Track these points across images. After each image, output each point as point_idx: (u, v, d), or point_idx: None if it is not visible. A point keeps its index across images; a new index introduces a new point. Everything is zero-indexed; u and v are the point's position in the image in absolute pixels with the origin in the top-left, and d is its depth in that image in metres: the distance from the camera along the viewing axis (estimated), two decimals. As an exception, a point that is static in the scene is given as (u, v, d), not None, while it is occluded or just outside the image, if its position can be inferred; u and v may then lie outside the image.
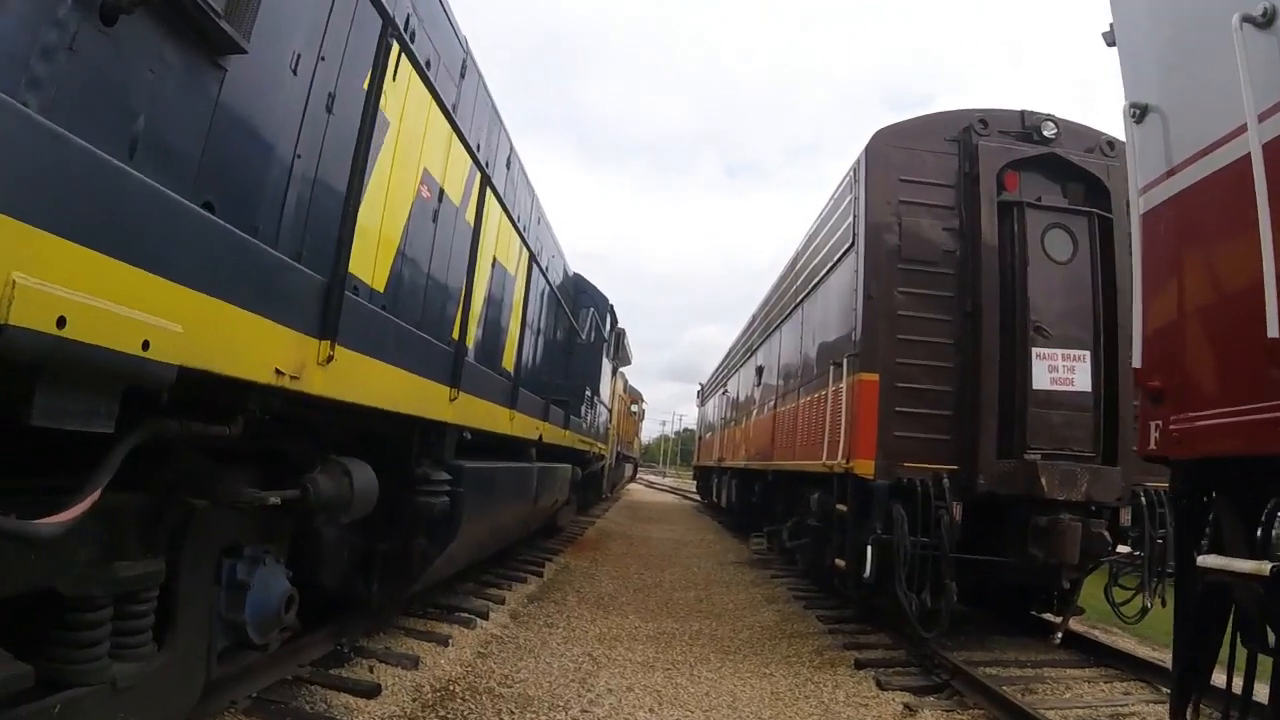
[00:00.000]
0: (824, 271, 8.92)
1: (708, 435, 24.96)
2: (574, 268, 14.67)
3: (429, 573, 5.60)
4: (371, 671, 5.34)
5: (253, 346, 2.71)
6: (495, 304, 8.19)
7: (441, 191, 6.28)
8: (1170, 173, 3.10)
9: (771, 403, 12.09)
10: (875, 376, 7.03)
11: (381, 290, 5.10)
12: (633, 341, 26.33)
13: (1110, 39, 3.67)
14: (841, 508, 7.34)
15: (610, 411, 18.17)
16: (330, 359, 3.21)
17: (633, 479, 44.22)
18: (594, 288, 14.89)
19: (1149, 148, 3.23)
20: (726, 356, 21.09)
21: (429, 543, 5.24)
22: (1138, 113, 3.30)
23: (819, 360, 8.89)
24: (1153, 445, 2.93)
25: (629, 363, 26.61)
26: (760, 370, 13.79)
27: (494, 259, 8.14)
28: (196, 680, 3.47)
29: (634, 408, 34.68)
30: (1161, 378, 2.92)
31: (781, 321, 11.79)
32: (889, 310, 7.24)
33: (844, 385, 7.37)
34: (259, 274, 2.76)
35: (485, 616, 7.19)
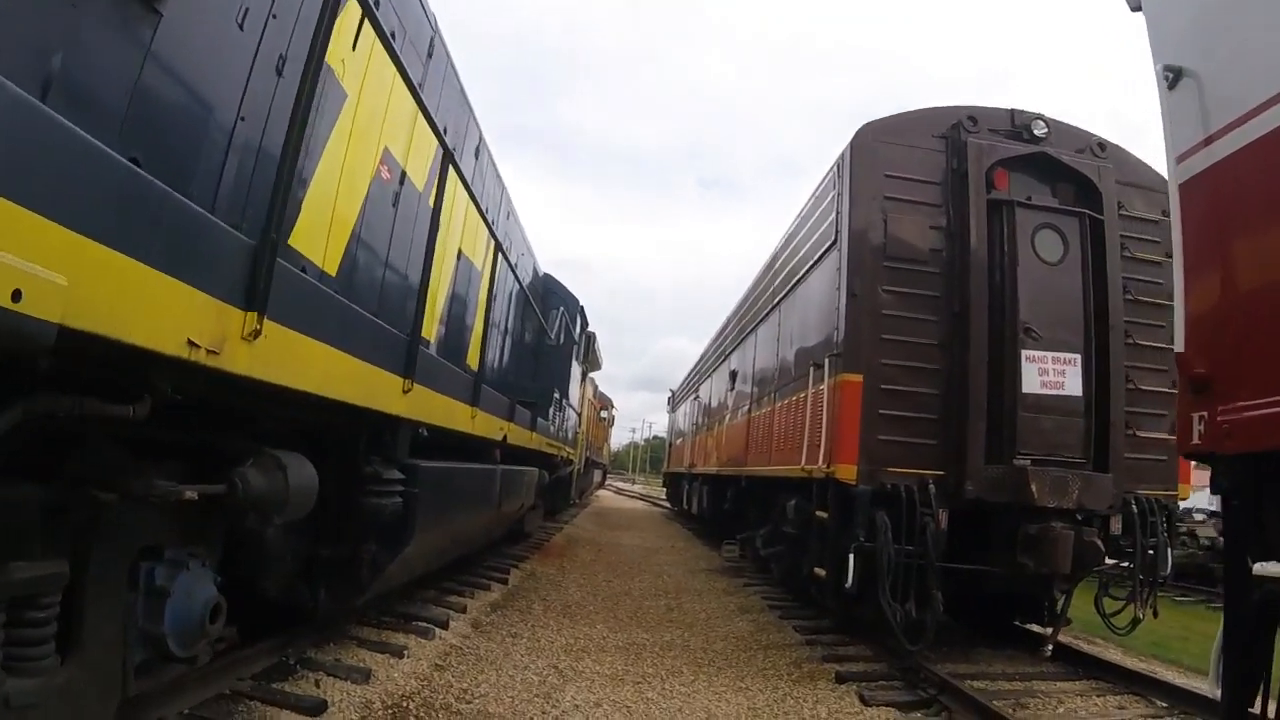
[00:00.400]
0: (804, 271, 8.59)
1: (678, 441, 24.60)
2: (545, 269, 14.32)
3: (381, 580, 5.16)
4: (318, 686, 4.91)
5: (159, 311, 2.30)
6: (459, 298, 7.78)
7: (404, 174, 5.89)
8: (1209, 140, 2.79)
9: (745, 408, 11.77)
10: (859, 377, 6.70)
11: (334, 274, 4.69)
12: (604, 350, 26.01)
13: (1135, 2, 3.37)
14: (821, 515, 7.00)
15: (579, 416, 17.76)
16: (257, 333, 2.79)
17: (602, 485, 43.78)
18: (564, 288, 14.49)
19: (1184, 113, 2.92)
20: (698, 362, 20.76)
21: (380, 548, 4.81)
22: (1171, 76, 2.98)
23: (798, 362, 8.56)
24: (1196, 440, 2.61)
25: (599, 367, 26.23)
26: (734, 375, 13.46)
27: (459, 251, 7.74)
28: (109, 697, 3.04)
29: (604, 413, 34.27)
30: (1207, 364, 2.60)
31: (757, 324, 11.46)
32: (873, 309, 6.92)
33: (825, 387, 7.04)
34: (171, 226, 2.35)
35: (445, 626, 6.76)
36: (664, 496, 36.60)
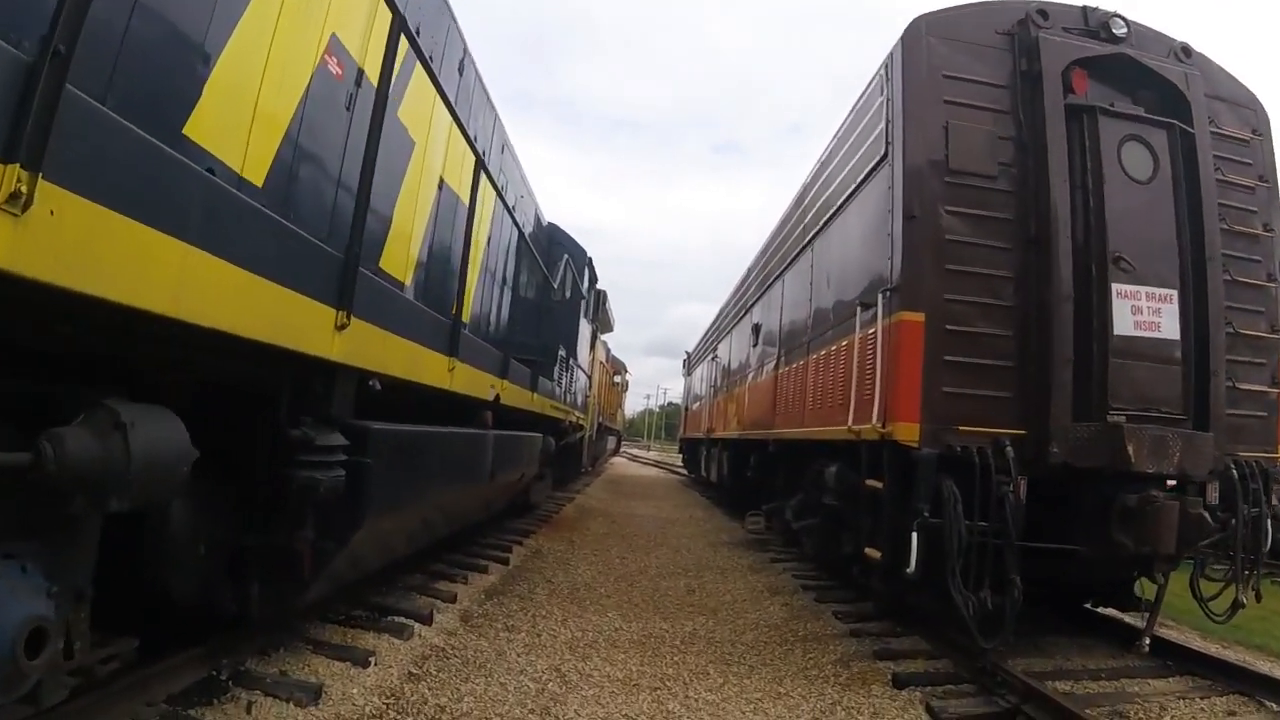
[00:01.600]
0: (844, 199, 7.38)
1: (695, 405, 23.44)
2: (550, 220, 13.15)
3: (329, 574, 4.10)
4: (249, 711, 3.86)
5: None
6: (441, 234, 6.67)
7: (360, 73, 4.78)
8: None
9: (772, 364, 10.58)
10: (920, 316, 5.53)
11: (260, 184, 3.61)
12: (617, 317, 24.84)
13: None
14: (874, 484, 5.85)
15: (590, 379, 16.67)
16: (20, 198, 1.68)
17: (616, 452, 42.82)
18: (570, 239, 13.35)
19: None
20: (716, 320, 19.51)
21: (320, 535, 3.72)
22: None
23: (838, 307, 7.37)
24: None
25: (610, 329, 25.11)
26: (757, 329, 12.24)
27: (441, 181, 6.64)
28: None
29: (617, 378, 33.20)
30: None
31: (784, 270, 10.24)
32: (935, 234, 5.74)
33: (877, 329, 5.85)
34: None
35: (428, 620, 5.71)
36: (680, 463, 35.61)
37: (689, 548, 11.28)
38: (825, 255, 8.09)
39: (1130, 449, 5.30)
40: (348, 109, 4.68)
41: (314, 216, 4.16)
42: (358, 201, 3.88)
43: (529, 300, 11.32)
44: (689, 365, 27.24)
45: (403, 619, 5.61)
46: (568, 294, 12.73)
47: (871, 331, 6.04)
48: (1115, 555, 5.46)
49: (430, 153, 6.31)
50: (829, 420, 7.02)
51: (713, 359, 18.49)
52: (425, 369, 4.79)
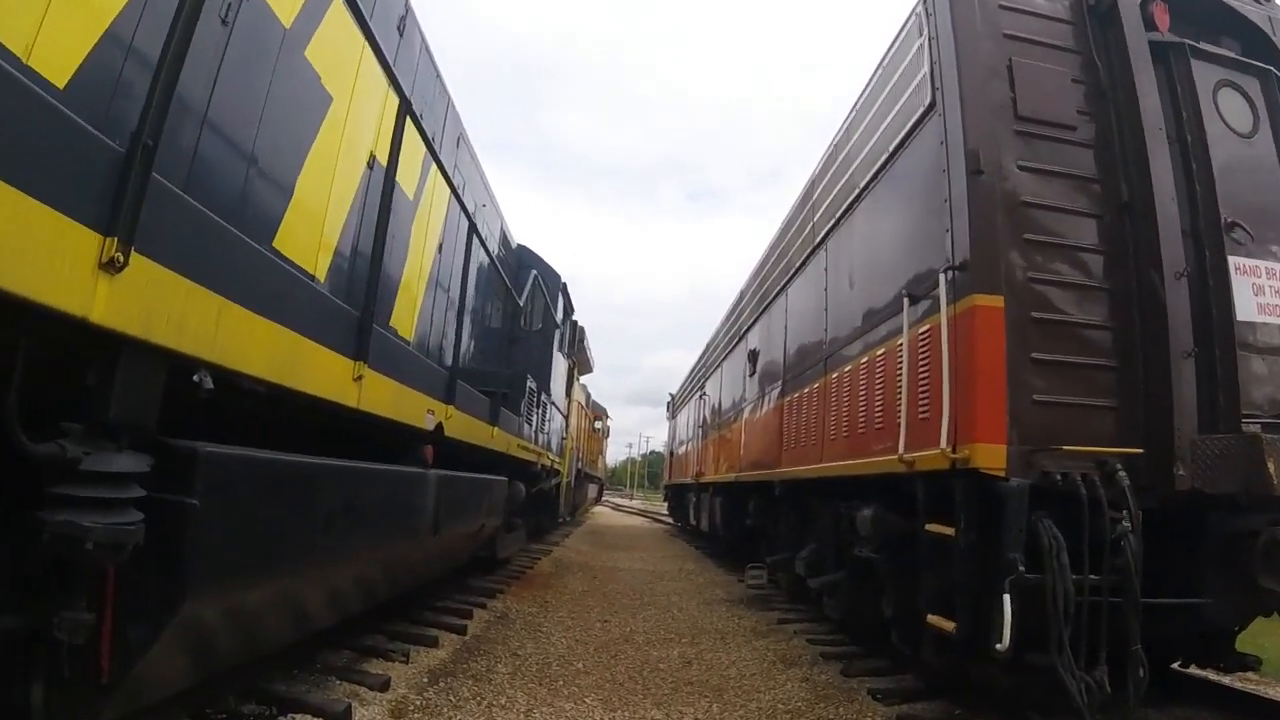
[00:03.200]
0: (871, 176, 6.02)
1: (681, 449, 21.90)
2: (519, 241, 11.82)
3: (149, 675, 2.62)
4: None
5: None
6: (370, 224, 5.33)
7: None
8: None
9: (775, 392, 9.17)
10: (998, 300, 4.16)
11: (63, 87, 2.25)
12: (598, 365, 23.49)
13: None
14: (939, 530, 4.38)
15: (567, 421, 15.20)
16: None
17: (598, 501, 41.06)
18: (542, 261, 12.02)
19: None
20: (703, 354, 18.09)
21: (120, 616, 2.27)
22: None
23: (871, 307, 5.97)
24: None
25: (590, 369, 23.76)
26: (754, 356, 10.83)
27: (371, 156, 5.30)
28: None
29: (598, 424, 31.71)
30: None
31: (788, 281, 8.87)
32: (1008, 196, 4.43)
33: (940, 323, 4.43)
34: None
35: (335, 724, 4.21)
36: (665, 511, 33.95)
37: (681, 606, 9.77)
38: (845, 252, 6.72)
39: (1271, 467, 3.95)
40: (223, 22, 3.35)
41: (218, 172, 2.80)
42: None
43: (493, 327, 9.96)
44: (673, 408, 25.82)
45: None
46: (539, 323, 11.37)
47: (928, 329, 4.66)
48: (1259, 606, 4.10)
49: (354, 118, 4.97)
50: (862, 450, 5.60)
51: (700, 397, 17.02)
52: (309, 371, 3.31)
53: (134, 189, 2.10)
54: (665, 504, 32.12)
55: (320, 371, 3.40)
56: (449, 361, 6.33)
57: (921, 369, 4.65)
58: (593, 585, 11.17)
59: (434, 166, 6.44)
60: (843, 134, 6.99)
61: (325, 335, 3.47)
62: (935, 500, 4.52)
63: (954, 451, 4.12)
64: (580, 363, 20.08)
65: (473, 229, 6.69)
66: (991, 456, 3.97)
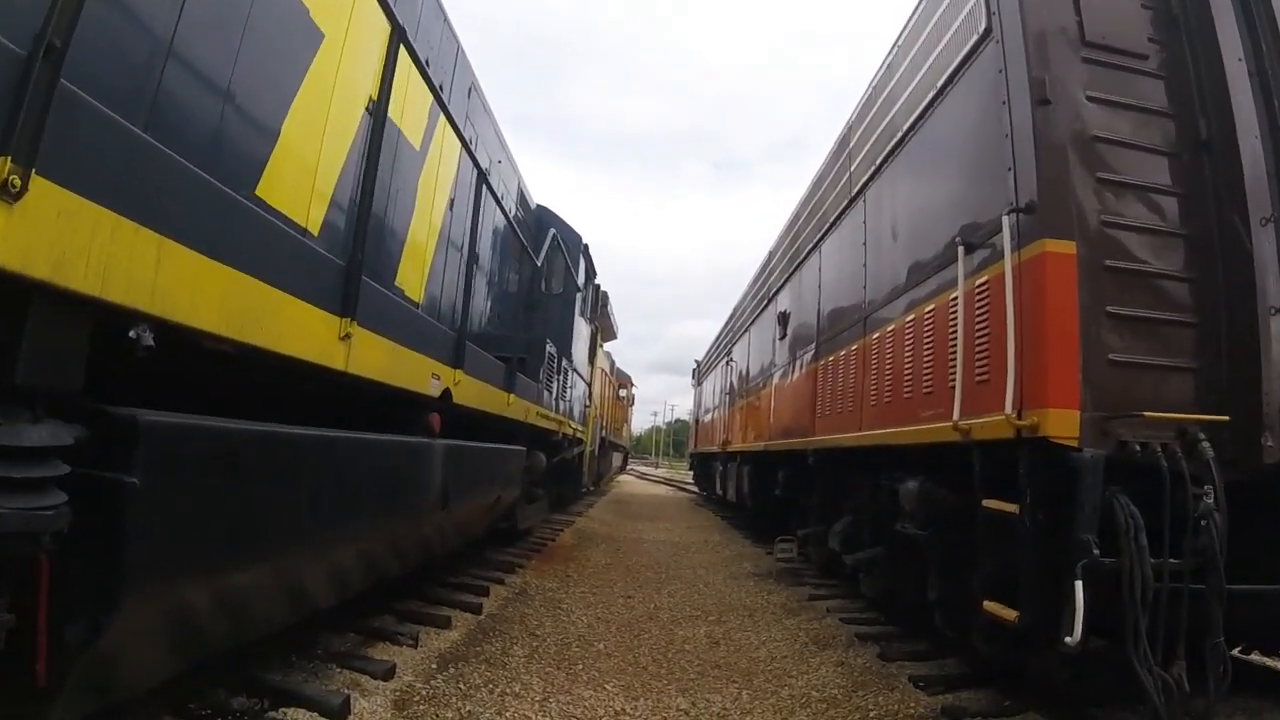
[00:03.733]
0: (916, 116, 5.48)
1: (707, 417, 21.48)
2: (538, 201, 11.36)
3: (92, 678, 2.27)
4: None
5: None
6: (368, 175, 4.94)
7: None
8: None
9: (808, 356, 8.70)
10: (1070, 246, 3.67)
11: None
12: (623, 335, 23.05)
13: None
14: (999, 506, 3.92)
15: (590, 388, 14.82)
16: None
17: (623, 470, 40.83)
18: (562, 222, 11.57)
19: None
20: (730, 319, 17.58)
21: (56, 614, 1.92)
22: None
23: (918, 259, 5.44)
24: None
25: (614, 336, 23.35)
26: (784, 319, 10.34)
27: (369, 100, 4.89)
28: None
29: (622, 392, 31.35)
30: None
31: (822, 237, 8.35)
32: (1078, 129, 3.93)
33: (1003, 271, 3.91)
34: None
35: (338, 717, 3.87)
36: (690, 480, 33.63)
37: (707, 581, 9.42)
38: (886, 202, 6.19)
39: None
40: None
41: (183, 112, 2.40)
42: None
43: (510, 291, 9.57)
44: (698, 375, 25.38)
45: (302, 715, 3.79)
46: (559, 286, 10.95)
47: (986, 280, 4.17)
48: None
49: (350, 59, 4.55)
50: (908, 417, 5.14)
51: (727, 363, 16.56)
52: (284, 328, 2.90)
53: (34, 97, 1.70)
54: (690, 473, 31.80)
55: (297, 329, 2.99)
56: (476, 335, 5.97)
57: (979, 326, 4.17)
58: (616, 558, 10.85)
59: (442, 117, 6.02)
60: (882, 74, 6.45)
61: (303, 287, 3.06)
62: (994, 473, 4.06)
63: (1019, 418, 3.64)
64: (604, 329, 19.66)
65: (485, 183, 6.26)
66: (1063, 424, 3.51)
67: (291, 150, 3.87)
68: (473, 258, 5.31)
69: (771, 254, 12.01)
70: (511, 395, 6.66)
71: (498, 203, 6.77)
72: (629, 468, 50.29)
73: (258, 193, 3.57)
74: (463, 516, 5.68)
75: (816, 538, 8.45)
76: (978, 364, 4.11)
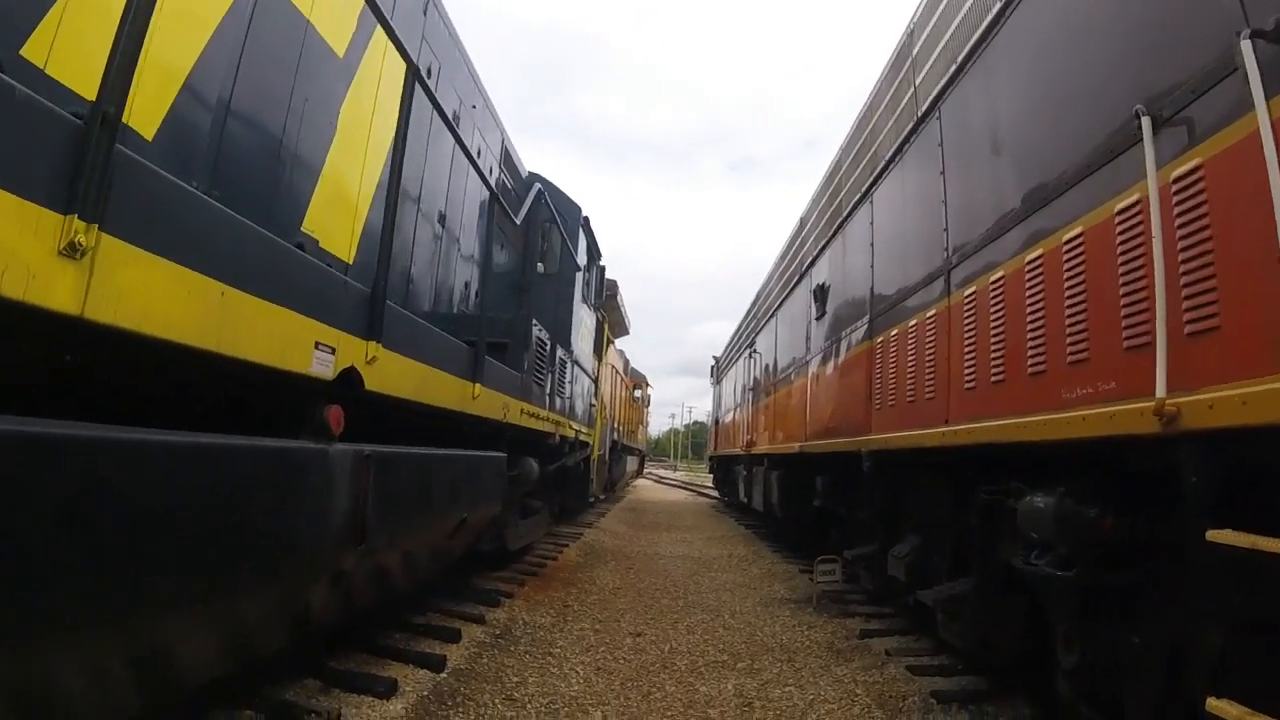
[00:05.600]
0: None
1: (727, 417, 19.76)
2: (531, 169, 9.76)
3: None
4: None
5: None
6: (263, 81, 3.45)
7: None
8: None
9: (857, 333, 6.90)
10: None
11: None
12: (642, 339, 21.54)
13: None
14: (1242, 541, 2.24)
15: (596, 384, 13.22)
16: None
17: (639, 474, 39.14)
18: (559, 191, 10.03)
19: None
20: (752, 306, 15.84)
21: None
22: None
23: (1039, 177, 3.69)
24: None
25: (626, 331, 21.83)
26: (822, 293, 8.59)
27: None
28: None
29: (637, 393, 29.72)
30: None
31: (874, 183, 6.64)
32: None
33: (1246, 140, 2.25)
34: None
35: None
36: (708, 484, 31.91)
37: (734, 609, 7.83)
38: (980, 104, 4.38)
39: None
40: None
41: None
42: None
43: (497, 271, 8.04)
44: (717, 372, 23.73)
45: None
46: (555, 265, 9.40)
47: (1197, 166, 2.51)
48: None
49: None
50: (1040, 401, 3.41)
51: (750, 356, 14.86)
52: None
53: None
54: (710, 476, 30.12)
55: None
56: (445, 318, 4.43)
57: (1193, 237, 2.53)
58: (626, 579, 9.28)
59: (379, 29, 4.51)
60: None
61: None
62: (1206, 479, 2.43)
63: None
64: (613, 322, 18.07)
65: (441, 114, 4.71)
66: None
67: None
68: (398, 185, 3.75)
69: (803, 221, 10.30)
70: (478, 386, 5.09)
71: (465, 152, 5.22)
72: (645, 471, 48.64)
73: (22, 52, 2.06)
74: (398, 553, 4.11)
75: (870, 560, 6.84)
76: (1194, 301, 2.48)
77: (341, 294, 3.17)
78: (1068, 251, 3.26)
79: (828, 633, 6.85)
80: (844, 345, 7.36)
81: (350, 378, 3.26)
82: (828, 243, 8.38)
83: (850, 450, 6.50)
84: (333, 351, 3.05)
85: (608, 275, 14.28)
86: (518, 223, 6.67)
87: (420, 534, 4.31)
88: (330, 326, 3.03)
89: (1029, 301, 3.57)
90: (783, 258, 12.01)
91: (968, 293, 4.33)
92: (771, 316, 12.65)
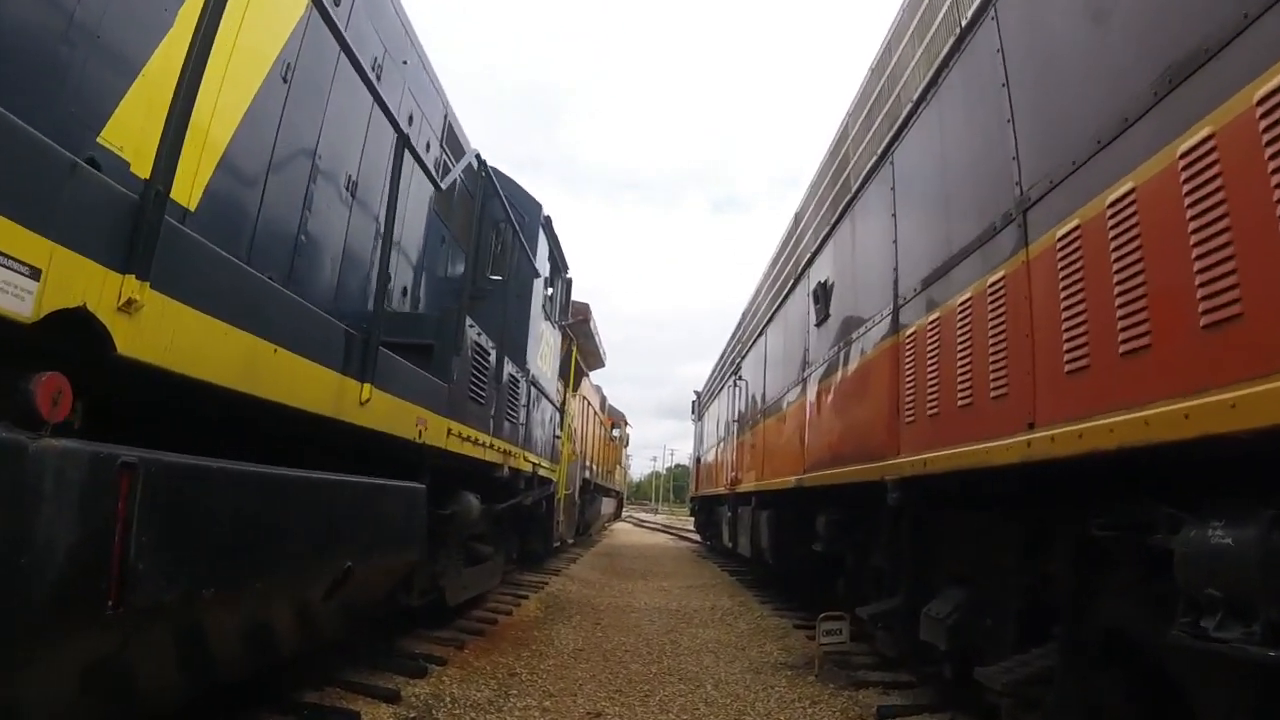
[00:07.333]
0: None
1: (710, 455, 18.27)
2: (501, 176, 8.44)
3: None
4: None
5: None
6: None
7: None
8: None
9: (876, 330, 5.40)
10: None
11: None
12: (625, 377, 20.28)
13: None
14: None
15: (561, 414, 11.78)
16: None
17: (616, 517, 37.39)
18: (519, 188, 8.74)
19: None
20: (737, 329, 14.38)
21: None
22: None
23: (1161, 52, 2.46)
24: None
25: (601, 363, 20.49)
26: (824, 293, 7.10)
27: None
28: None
29: (615, 431, 28.27)
30: None
31: (895, 138, 5.15)
32: None
33: None
34: None
35: None
36: (690, 527, 30.30)
37: (718, 678, 6.39)
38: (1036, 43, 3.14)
39: None
40: None
41: None
42: None
43: (391, 220, 6.74)
44: (698, 408, 22.34)
45: None
46: (509, 268, 8.08)
47: None
48: None
49: None
50: (1203, 374, 2.11)
51: (735, 383, 13.43)
52: None
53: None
54: (692, 519, 28.57)
55: None
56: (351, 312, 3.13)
57: None
58: (591, 639, 7.81)
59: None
60: None
61: None
62: None
63: None
64: (587, 352, 16.68)
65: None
66: None
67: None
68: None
69: (798, 216, 8.93)
70: (368, 388, 3.71)
71: (382, 105, 3.95)
72: (625, 514, 46.93)
73: None
74: (214, 620, 2.70)
75: (890, 618, 5.45)
76: None
77: (51, 172, 1.81)
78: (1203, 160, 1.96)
79: (836, 711, 5.44)
80: (856, 349, 5.98)
81: (90, 331, 1.89)
82: (832, 228, 6.98)
83: (866, 480, 5.12)
84: (32, 274, 1.69)
85: (587, 305, 12.96)
86: (443, 187, 5.32)
87: (259, 591, 2.89)
88: (21, 226, 1.67)
89: (1164, 246, 2.22)
90: (774, 264, 10.61)
91: (1065, 231, 2.96)
92: (760, 334, 11.25)
